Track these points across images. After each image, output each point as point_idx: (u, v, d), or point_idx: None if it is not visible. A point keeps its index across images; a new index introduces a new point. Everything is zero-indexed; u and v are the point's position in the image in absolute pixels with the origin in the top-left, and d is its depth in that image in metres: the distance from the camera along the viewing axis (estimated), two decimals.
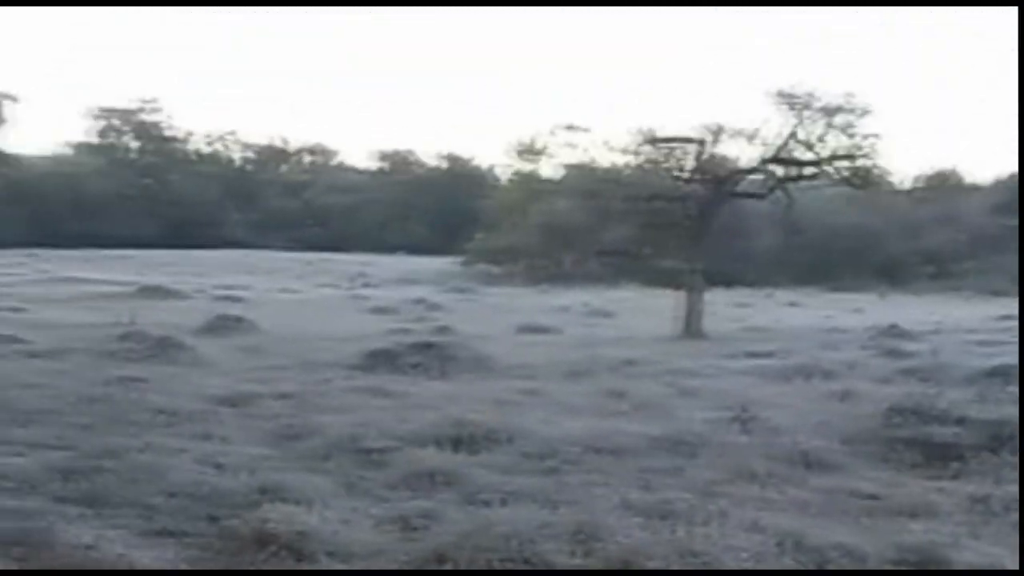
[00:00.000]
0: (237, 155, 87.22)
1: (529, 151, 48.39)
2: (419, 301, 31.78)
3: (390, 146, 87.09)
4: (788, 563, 6.45)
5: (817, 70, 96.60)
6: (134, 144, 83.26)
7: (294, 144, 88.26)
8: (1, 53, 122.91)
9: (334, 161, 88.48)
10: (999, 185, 54.73)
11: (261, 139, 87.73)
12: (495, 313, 28.77)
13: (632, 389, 13.27)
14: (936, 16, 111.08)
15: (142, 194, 75.84)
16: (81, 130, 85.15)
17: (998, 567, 6.69)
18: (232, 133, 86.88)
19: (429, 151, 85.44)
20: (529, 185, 50.13)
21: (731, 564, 6.31)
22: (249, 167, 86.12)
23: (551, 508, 7.38)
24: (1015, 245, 32.47)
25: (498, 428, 10.09)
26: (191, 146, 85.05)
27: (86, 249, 57.98)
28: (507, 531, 6.65)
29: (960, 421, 9.77)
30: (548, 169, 47.58)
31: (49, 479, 8.23)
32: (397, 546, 6.82)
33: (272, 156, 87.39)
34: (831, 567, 6.51)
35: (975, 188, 60.40)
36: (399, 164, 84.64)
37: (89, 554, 6.48)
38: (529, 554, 6.37)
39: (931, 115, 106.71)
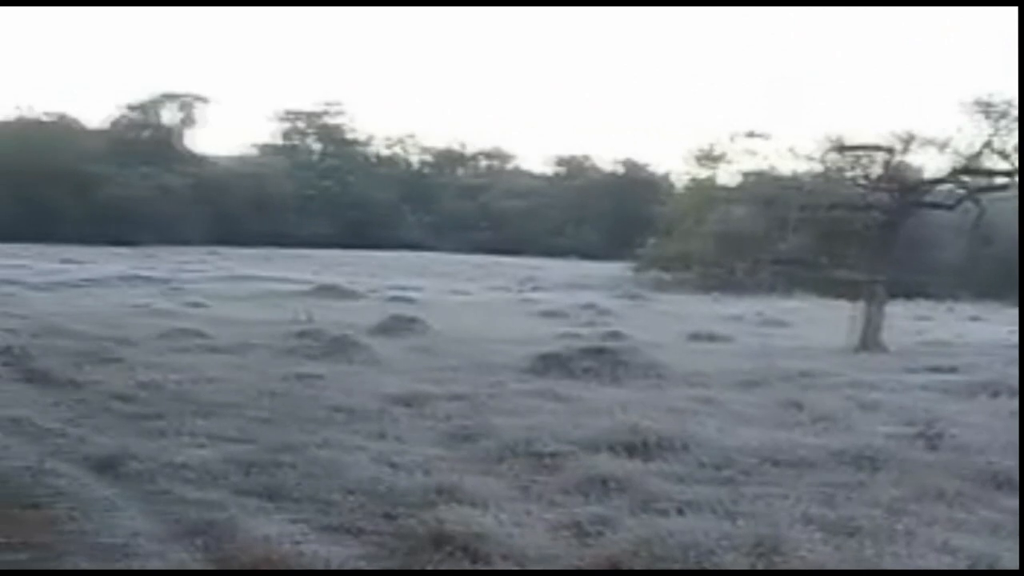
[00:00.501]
0: (415, 158, 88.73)
1: (707, 157, 47.75)
2: (589, 306, 31.65)
3: (567, 151, 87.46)
4: None
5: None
6: (316, 146, 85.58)
7: (472, 148, 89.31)
8: (195, 55, 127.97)
9: (511, 165, 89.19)
10: None
11: (439, 143, 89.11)
12: (666, 320, 28.45)
13: (809, 401, 12.88)
14: None
15: (322, 195, 77.85)
16: (268, 132, 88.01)
17: None
18: (412, 136, 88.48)
19: (605, 156, 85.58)
20: (705, 191, 49.49)
21: None
22: (427, 170, 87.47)
23: (729, 519, 7.18)
24: None
25: (672, 436, 9.90)
26: (371, 149, 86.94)
27: (266, 248, 59.69)
28: (685, 541, 6.49)
29: None
30: (725, 176, 46.93)
31: (230, 471, 8.41)
32: (571, 551, 6.75)
33: (449, 159, 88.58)
34: None
35: None
36: (575, 169, 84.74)
37: (269, 547, 6.56)
38: (708, 566, 6.21)
39: None
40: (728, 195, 43.89)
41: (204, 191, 73.39)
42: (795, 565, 6.30)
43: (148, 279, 32.58)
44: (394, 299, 28.14)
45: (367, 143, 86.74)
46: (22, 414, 10.08)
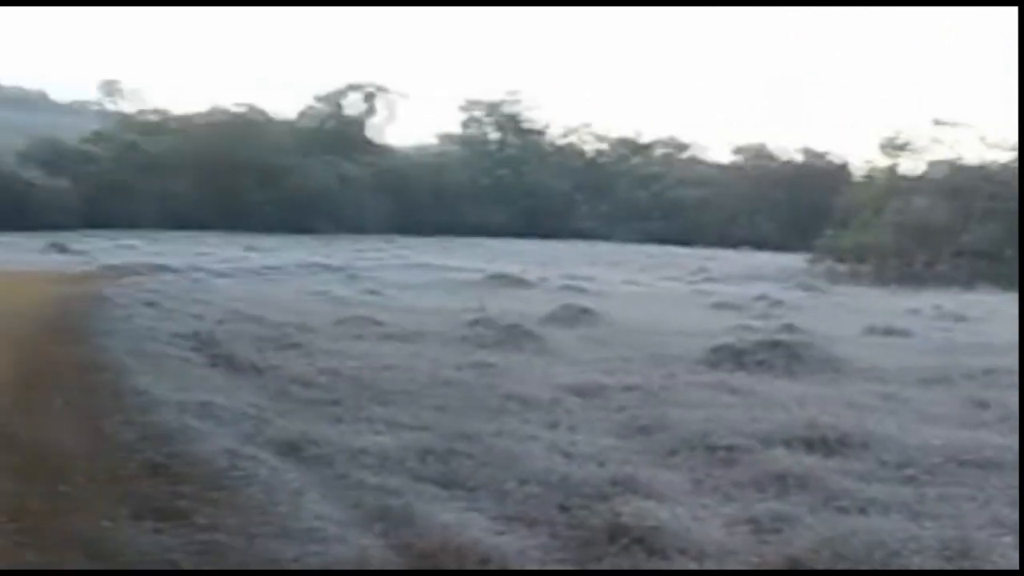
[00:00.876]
0: (591, 147, 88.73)
1: (893, 146, 46.33)
2: (763, 297, 31.14)
3: (744, 140, 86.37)
4: None
5: None
6: (495, 135, 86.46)
7: (648, 137, 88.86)
8: (383, 47, 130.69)
9: (686, 154, 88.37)
10: None
11: (616, 132, 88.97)
12: (842, 313, 27.79)
13: (995, 399, 12.37)
14: None
15: (498, 184, 78.71)
16: (449, 122, 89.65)
17: None
18: (588, 125, 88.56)
19: (784, 145, 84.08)
20: (887, 181, 48.11)
21: None
22: (602, 159, 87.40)
23: (914, 520, 6.97)
24: None
25: (852, 432, 9.65)
26: (548, 137, 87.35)
27: (442, 236, 60.54)
28: (869, 541, 6.32)
29: None
30: (908, 165, 45.53)
31: (407, 458, 8.51)
32: (749, 548, 6.63)
33: (625, 148, 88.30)
34: None
35: None
36: (751, 158, 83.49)
37: (446, 535, 6.61)
38: (895, 567, 6.03)
39: None
40: (911, 185, 42.60)
41: (384, 180, 75.07)
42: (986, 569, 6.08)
43: (327, 267, 33.36)
44: (567, 288, 28.20)
45: (543, 132, 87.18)
46: (214, 399, 10.39)
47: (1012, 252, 29.86)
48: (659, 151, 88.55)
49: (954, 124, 32.90)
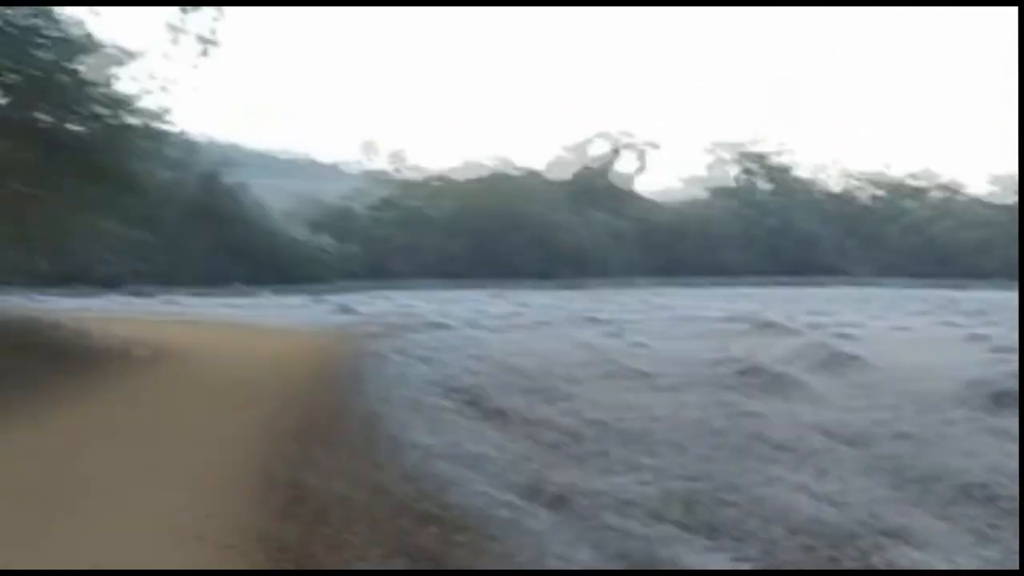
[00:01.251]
0: (864, 192, 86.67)
1: None
2: None
3: (998, 169, 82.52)
4: None
5: None
6: (762, 185, 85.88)
7: (923, 180, 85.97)
8: (635, 100, 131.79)
9: (963, 196, 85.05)
10: None
11: (888, 176, 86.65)
12: None
13: None
14: None
15: (765, 232, 77.88)
16: (698, 166, 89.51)
17: None
18: (863, 172, 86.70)
19: None
20: None
21: None
22: (875, 204, 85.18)
23: None
24: None
25: None
26: (818, 185, 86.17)
27: (705, 284, 60.16)
28: None
29: None
30: None
31: (672, 507, 8.56)
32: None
33: (898, 192, 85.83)
34: None
35: None
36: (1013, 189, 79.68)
37: None
38: None
39: None
40: None
41: (650, 233, 75.52)
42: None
43: (594, 320, 33.66)
44: (834, 335, 27.45)
45: (813, 179, 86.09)
46: (482, 450, 10.69)
47: None
48: (935, 194, 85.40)
49: None
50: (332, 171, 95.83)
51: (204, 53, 18.79)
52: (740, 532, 7.96)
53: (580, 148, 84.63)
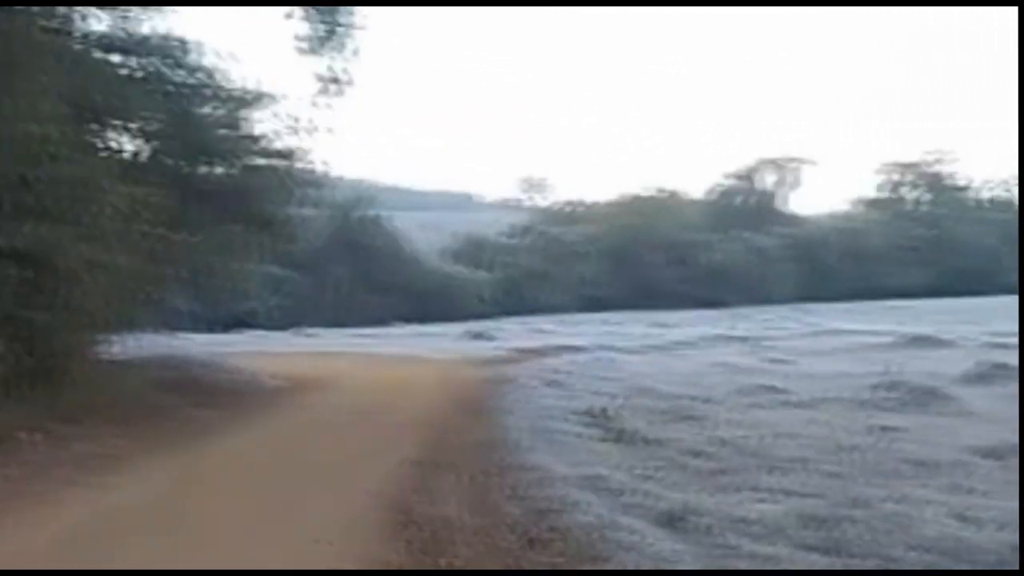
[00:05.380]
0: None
1: None
2: None
3: None
4: None
5: None
6: (915, 195, 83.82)
7: None
8: (796, 118, 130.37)
9: None
10: None
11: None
12: None
13: None
14: None
15: (918, 244, 75.92)
16: (865, 186, 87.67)
17: None
18: (1013, 177, 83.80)
19: None
20: None
21: None
22: None
23: None
24: None
25: None
26: (974, 193, 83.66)
27: (856, 301, 58.80)
28: None
29: None
30: None
31: (795, 526, 8.24)
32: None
33: None
34: None
35: None
36: None
37: None
38: None
39: None
40: None
41: (796, 249, 74.32)
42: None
43: (731, 338, 33.07)
44: (988, 346, 26.46)
45: (966, 188, 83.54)
46: (600, 472, 10.49)
47: None
48: None
49: None
50: (491, 207, 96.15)
51: (339, 93, 19.04)
52: (863, 550, 7.63)
53: (739, 173, 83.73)
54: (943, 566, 7.09)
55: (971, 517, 8.27)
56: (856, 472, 10.45)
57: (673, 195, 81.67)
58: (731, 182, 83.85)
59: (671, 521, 8.54)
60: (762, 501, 9.12)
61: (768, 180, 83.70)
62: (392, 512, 9.02)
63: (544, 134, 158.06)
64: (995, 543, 7.40)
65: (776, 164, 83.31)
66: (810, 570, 6.22)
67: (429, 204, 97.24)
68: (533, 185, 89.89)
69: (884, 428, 13.06)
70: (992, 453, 11.39)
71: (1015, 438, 12.13)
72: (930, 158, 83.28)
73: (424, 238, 69.24)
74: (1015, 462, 10.83)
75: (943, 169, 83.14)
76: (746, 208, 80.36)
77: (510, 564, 7.50)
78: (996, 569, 6.18)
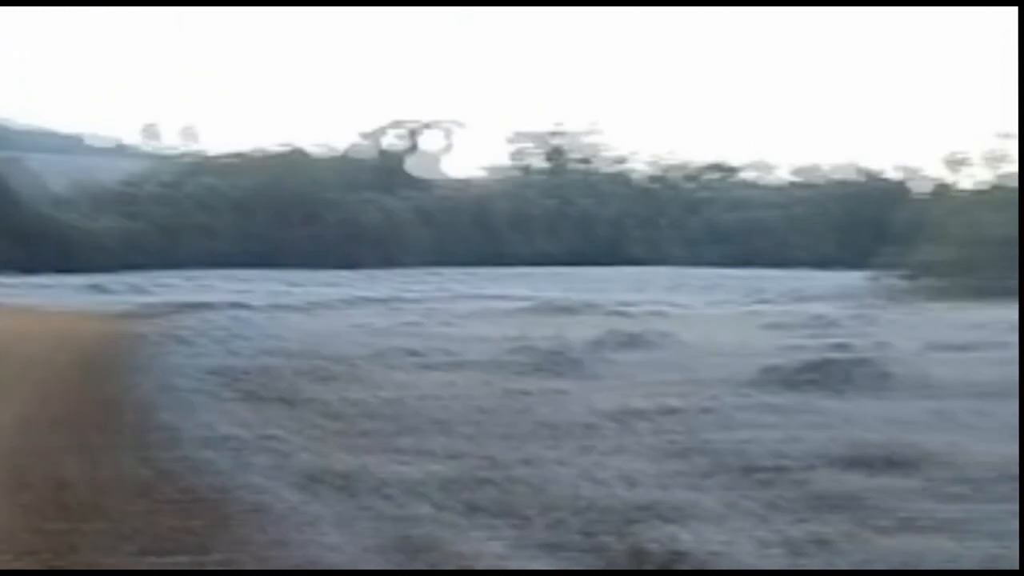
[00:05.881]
0: (640, 174, 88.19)
1: (956, 162, 45.67)
2: (818, 317, 30.49)
3: (796, 159, 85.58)
4: None
5: None
6: (541, 165, 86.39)
7: (697, 162, 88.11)
8: (440, 80, 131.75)
9: (737, 178, 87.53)
10: None
11: (665, 158, 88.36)
12: (901, 329, 27.03)
13: None
14: None
15: (545, 213, 78.43)
16: (494, 154, 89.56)
17: None
18: (635, 153, 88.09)
19: (835, 164, 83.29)
20: (950, 197, 47.41)
21: None
22: (652, 185, 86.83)
23: (958, 538, 6.59)
24: None
25: (899, 450, 9.26)
26: (595, 166, 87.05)
27: (487, 267, 60.33)
28: (906, 561, 5.97)
29: None
30: (970, 180, 44.84)
31: (435, 488, 8.23)
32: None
33: (674, 174, 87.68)
34: None
35: None
36: (803, 178, 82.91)
37: (463, 563, 6.45)
38: None
39: None
40: (975, 199, 41.73)
41: (426, 214, 75.09)
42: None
43: (369, 300, 33.18)
44: (614, 314, 27.78)
45: (590, 160, 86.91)
46: (235, 432, 10.19)
47: None
48: (709, 175, 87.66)
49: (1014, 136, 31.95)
50: (106, 153, 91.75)
51: None
52: (499, 510, 7.69)
53: (374, 135, 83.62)
54: (574, 525, 7.22)
55: (600, 478, 8.50)
56: (493, 435, 10.59)
57: (301, 152, 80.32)
58: (366, 143, 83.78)
59: (309, 483, 8.35)
60: (403, 464, 9.07)
61: (396, 142, 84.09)
62: (4, 474, 8.36)
63: (184, 80, 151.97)
64: (623, 502, 7.62)
65: (410, 128, 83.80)
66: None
67: (31, 145, 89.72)
68: (155, 133, 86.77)
69: (519, 392, 13.36)
70: (614, 416, 11.80)
71: (639, 402, 12.70)
72: (558, 129, 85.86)
73: (33, 183, 65.51)
74: (638, 425, 11.31)
75: (564, 142, 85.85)
76: (372, 170, 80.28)
77: (139, 528, 7.07)
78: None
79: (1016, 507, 7.45)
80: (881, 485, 8.15)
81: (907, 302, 41.30)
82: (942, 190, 51.43)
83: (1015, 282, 37.86)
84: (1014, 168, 31.05)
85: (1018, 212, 26.09)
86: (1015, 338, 25.75)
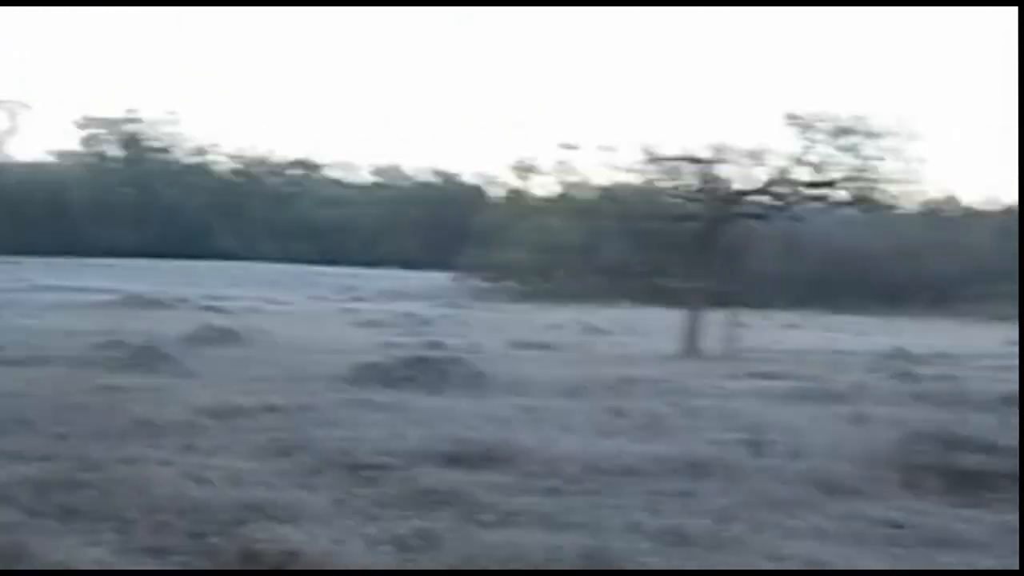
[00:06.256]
0: (223, 167, 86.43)
1: (523, 168, 47.87)
2: (409, 315, 31.32)
3: (377, 160, 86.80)
4: None
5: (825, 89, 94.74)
6: (116, 153, 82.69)
7: (280, 157, 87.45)
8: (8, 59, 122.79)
9: (320, 175, 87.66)
10: (1007, 212, 54.11)
11: (247, 151, 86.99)
12: (487, 328, 28.30)
13: (633, 408, 12.78)
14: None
15: (125, 203, 74.99)
16: (68, 139, 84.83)
17: None
18: (216, 145, 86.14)
19: (416, 166, 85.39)
20: (522, 202, 49.74)
21: None
22: (236, 179, 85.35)
23: (556, 530, 6.95)
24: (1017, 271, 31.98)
25: (495, 446, 9.67)
26: (174, 156, 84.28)
27: (68, 257, 57.38)
28: (511, 554, 6.23)
29: (986, 448, 9.32)
30: (541, 187, 47.24)
31: (28, 492, 7.74)
32: (392, 568, 6.37)
33: (257, 168, 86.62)
34: None
35: (980, 214, 60.57)
36: (386, 178, 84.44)
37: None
38: None
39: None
40: (545, 206, 44.00)
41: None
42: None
43: None
44: (207, 309, 27.27)
45: (168, 150, 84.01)
46: None
47: (646, 269, 31.66)
48: (293, 171, 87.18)
49: (578, 147, 33.96)
50: None
51: None
52: (95, 513, 7.32)
53: None
54: (181, 527, 7.03)
55: (203, 477, 8.32)
56: (86, 434, 10.15)
57: None
58: None
59: None
60: None
61: None
62: None
63: None
64: (230, 502, 7.50)
65: None
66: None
67: None
68: None
69: (112, 388, 12.89)
70: (215, 413, 11.62)
71: (239, 398, 12.56)
72: (131, 116, 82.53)
73: None
74: (239, 423, 11.18)
75: (140, 129, 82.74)
76: None
77: None
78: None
79: (602, 499, 8.00)
80: (481, 481, 8.46)
81: (491, 302, 43.16)
82: (516, 196, 53.87)
83: (583, 285, 40.69)
84: (578, 178, 33.15)
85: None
86: (588, 337, 27.65)
